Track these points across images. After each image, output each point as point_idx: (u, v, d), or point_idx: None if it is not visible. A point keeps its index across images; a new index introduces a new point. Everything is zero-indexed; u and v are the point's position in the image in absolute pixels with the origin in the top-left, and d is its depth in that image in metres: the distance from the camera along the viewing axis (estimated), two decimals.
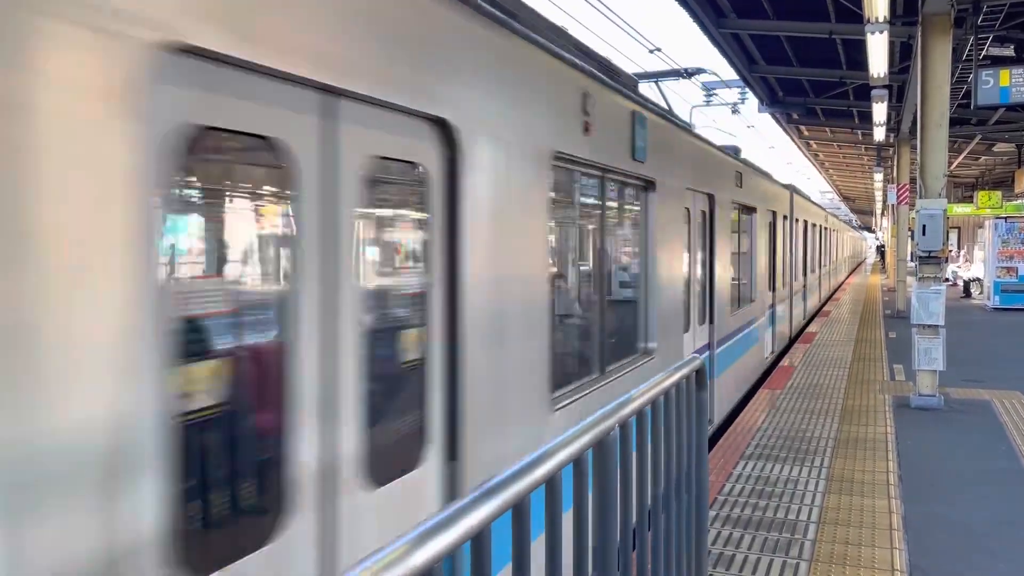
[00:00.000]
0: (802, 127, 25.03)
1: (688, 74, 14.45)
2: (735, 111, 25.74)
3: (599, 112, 5.00)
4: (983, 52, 12.02)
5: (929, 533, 5.17)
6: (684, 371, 3.00)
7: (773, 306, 13.76)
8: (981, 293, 24.55)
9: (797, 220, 16.90)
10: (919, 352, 9.06)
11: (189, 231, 2.28)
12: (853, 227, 66.76)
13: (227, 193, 2.46)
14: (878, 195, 37.49)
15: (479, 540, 1.54)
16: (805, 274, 18.88)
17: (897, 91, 17.43)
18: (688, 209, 7.67)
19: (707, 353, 8.67)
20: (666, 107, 8.89)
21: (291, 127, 2.49)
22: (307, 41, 2.47)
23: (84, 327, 1.77)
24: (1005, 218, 23.19)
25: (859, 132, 24.44)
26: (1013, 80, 10.53)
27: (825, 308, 22.29)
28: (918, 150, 9.37)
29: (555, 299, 4.52)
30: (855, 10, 11.30)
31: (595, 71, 5.09)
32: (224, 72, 2.23)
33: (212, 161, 2.35)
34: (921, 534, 5.15)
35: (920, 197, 9.14)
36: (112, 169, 1.83)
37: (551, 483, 1.86)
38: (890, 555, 4.76)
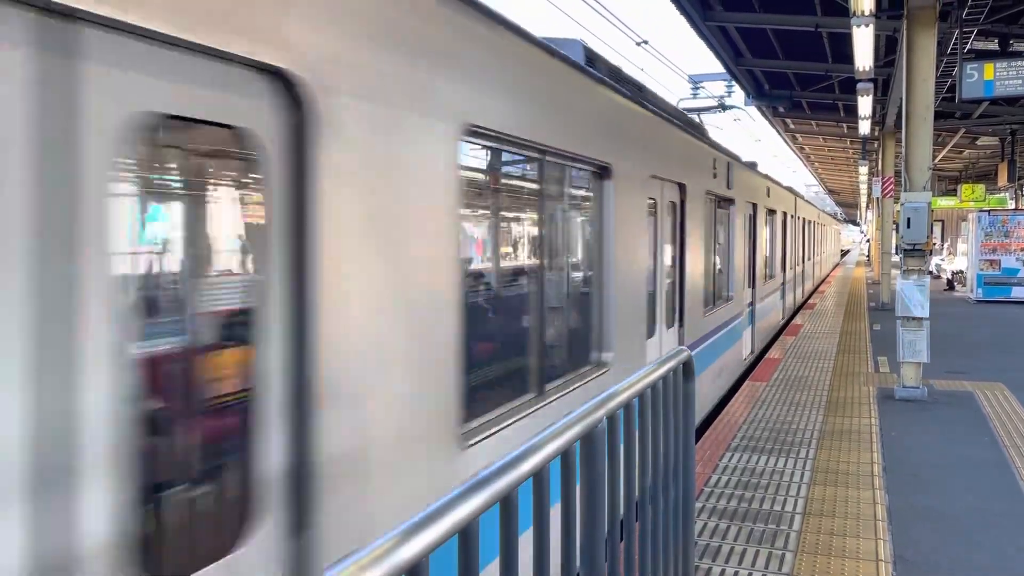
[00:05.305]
0: (788, 120, 25.10)
1: (724, 108, 18.69)
2: (721, 105, 25.76)
3: (718, 165, 9.69)
4: (967, 46, 12.08)
5: (913, 523, 5.22)
6: (671, 363, 2.99)
7: (784, 284, 18.03)
8: (964, 286, 24.75)
9: (798, 218, 20.85)
10: (903, 344, 9.12)
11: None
12: (838, 220, 69.06)
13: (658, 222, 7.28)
14: (863, 188, 37.68)
15: (467, 534, 1.52)
16: (803, 261, 23.28)
17: (882, 84, 17.49)
18: (744, 215, 11.98)
19: (751, 307, 13.06)
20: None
21: (658, 193, 7.13)
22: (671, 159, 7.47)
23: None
24: (988, 211, 23.36)
25: (844, 125, 24.52)
26: (997, 74, 10.60)
27: (811, 301, 22.41)
28: (903, 143, 9.40)
29: (713, 263, 9.81)
30: (841, 3, 11.33)
31: (719, 144, 9.96)
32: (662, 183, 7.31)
33: (677, 211, 7.90)
34: (905, 524, 5.19)
35: (905, 190, 9.18)
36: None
37: (539, 476, 1.85)
38: (874, 545, 4.79)
